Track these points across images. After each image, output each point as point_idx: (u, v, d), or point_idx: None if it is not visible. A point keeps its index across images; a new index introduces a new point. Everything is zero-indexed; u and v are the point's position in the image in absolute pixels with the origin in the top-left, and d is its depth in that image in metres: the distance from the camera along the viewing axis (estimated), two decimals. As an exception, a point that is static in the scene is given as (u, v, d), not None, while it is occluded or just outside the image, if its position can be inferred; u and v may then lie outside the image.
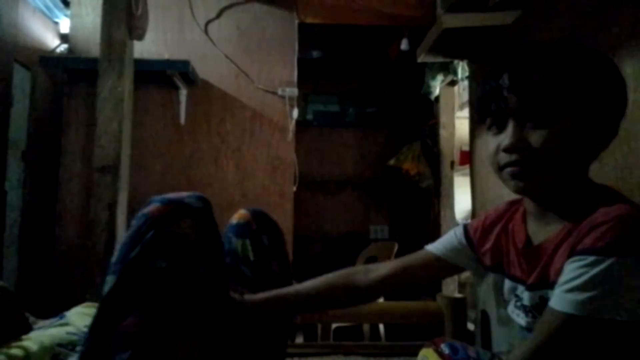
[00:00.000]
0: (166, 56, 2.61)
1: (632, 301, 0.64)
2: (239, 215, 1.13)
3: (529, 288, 0.79)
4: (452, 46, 2.26)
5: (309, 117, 4.25)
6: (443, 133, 3.40)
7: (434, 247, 1.00)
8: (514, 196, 0.88)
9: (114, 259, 0.87)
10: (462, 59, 2.68)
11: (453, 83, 3.28)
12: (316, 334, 2.11)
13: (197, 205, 0.93)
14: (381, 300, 1.82)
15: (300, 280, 1.07)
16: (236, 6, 2.76)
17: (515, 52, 0.80)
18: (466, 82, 2.94)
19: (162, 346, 0.82)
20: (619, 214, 0.67)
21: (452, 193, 3.30)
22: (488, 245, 0.92)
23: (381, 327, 2.97)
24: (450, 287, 3.01)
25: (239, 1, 2.76)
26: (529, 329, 0.79)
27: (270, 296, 1.03)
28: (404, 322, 1.81)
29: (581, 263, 0.67)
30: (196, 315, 0.89)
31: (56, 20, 2.93)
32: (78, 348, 1.03)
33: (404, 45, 3.31)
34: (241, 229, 1.11)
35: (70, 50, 2.68)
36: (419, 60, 2.50)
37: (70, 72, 2.60)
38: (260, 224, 1.12)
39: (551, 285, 0.73)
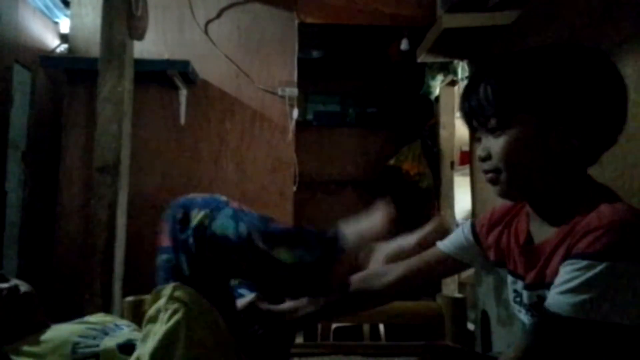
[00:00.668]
0: (166, 56, 2.61)
1: (624, 304, 0.65)
2: None
3: (527, 287, 0.81)
4: (452, 46, 2.26)
5: (309, 117, 4.24)
6: (443, 133, 3.39)
7: (444, 245, 1.02)
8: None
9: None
10: (462, 59, 2.68)
11: (453, 83, 3.27)
12: (316, 334, 2.11)
13: None
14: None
15: None
16: (236, 6, 2.76)
17: (481, 65, 0.83)
18: (466, 82, 2.93)
19: None
20: (612, 220, 0.68)
21: (452, 193, 3.30)
22: (492, 240, 0.93)
23: (381, 327, 2.97)
24: (450, 287, 3.01)
25: (239, 1, 2.76)
26: None
27: (292, 306, 1.03)
28: (404, 322, 1.81)
29: (575, 266, 0.68)
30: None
31: (56, 20, 2.93)
32: (98, 339, 1.05)
33: (404, 45, 3.30)
34: None
35: (70, 50, 2.68)
36: (419, 60, 2.51)
37: (70, 72, 2.60)
38: None
39: (547, 285, 0.74)
